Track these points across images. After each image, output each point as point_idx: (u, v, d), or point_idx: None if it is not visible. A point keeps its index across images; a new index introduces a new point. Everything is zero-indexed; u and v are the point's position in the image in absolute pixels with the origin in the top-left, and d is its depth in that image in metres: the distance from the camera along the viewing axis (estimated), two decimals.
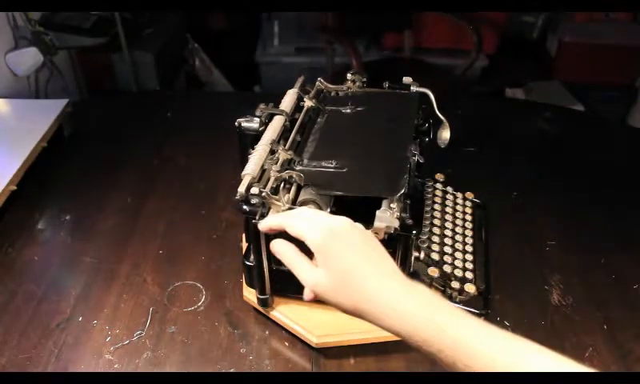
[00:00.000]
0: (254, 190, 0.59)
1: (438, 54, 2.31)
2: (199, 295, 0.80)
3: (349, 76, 0.85)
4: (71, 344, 0.73)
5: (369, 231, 0.50)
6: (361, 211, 0.57)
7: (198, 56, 2.37)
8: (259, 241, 0.63)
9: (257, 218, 0.59)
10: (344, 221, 0.50)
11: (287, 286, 0.69)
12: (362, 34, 2.31)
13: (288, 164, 0.65)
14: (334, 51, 1.92)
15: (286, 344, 0.73)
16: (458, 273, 0.71)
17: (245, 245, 0.83)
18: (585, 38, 2.35)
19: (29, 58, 1.43)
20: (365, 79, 0.85)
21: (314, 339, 0.70)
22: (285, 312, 0.73)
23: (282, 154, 0.65)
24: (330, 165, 0.66)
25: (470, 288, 0.70)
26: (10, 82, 1.44)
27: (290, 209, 0.58)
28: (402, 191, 0.61)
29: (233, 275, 0.83)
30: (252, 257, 0.67)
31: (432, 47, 2.35)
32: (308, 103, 0.77)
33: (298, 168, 0.65)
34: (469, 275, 0.71)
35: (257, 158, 0.63)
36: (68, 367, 0.70)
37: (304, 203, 0.60)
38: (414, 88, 0.81)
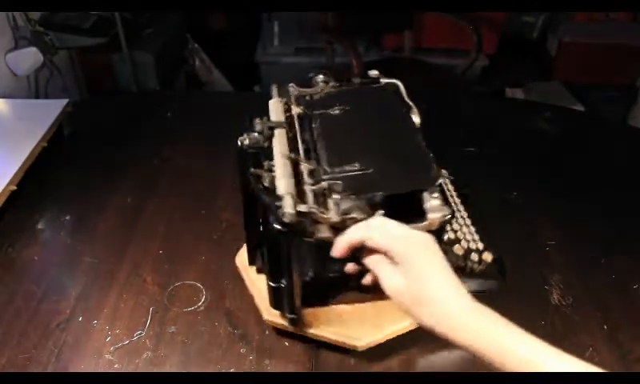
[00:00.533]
0: (303, 208, 0.55)
1: (438, 54, 2.31)
2: (199, 295, 0.80)
3: (320, 77, 0.83)
4: (71, 344, 0.73)
5: (427, 236, 0.51)
6: (397, 209, 0.57)
7: (197, 56, 2.37)
8: (290, 258, 0.60)
9: (308, 236, 0.57)
10: (423, 234, 0.52)
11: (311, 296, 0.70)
12: (362, 33, 2.32)
13: (313, 175, 0.62)
14: (334, 51, 1.92)
15: (286, 344, 0.73)
16: (473, 245, 0.71)
17: (241, 256, 0.82)
18: (585, 38, 2.35)
19: (29, 58, 1.44)
20: (332, 80, 0.84)
21: (358, 343, 0.69)
22: (316, 324, 0.72)
23: (305, 166, 0.62)
24: (354, 168, 0.64)
25: (488, 257, 0.70)
26: (10, 82, 1.44)
27: (344, 220, 0.57)
28: (440, 179, 0.62)
29: (233, 275, 0.83)
30: (283, 278, 0.63)
31: (432, 47, 2.35)
32: (296, 110, 0.75)
33: (328, 177, 0.62)
34: (481, 246, 0.71)
35: (284, 174, 0.60)
36: (68, 367, 0.70)
37: (348, 212, 0.58)
38: (382, 80, 0.82)
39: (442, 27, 2.27)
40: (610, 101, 2.33)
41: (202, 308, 0.78)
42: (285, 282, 0.63)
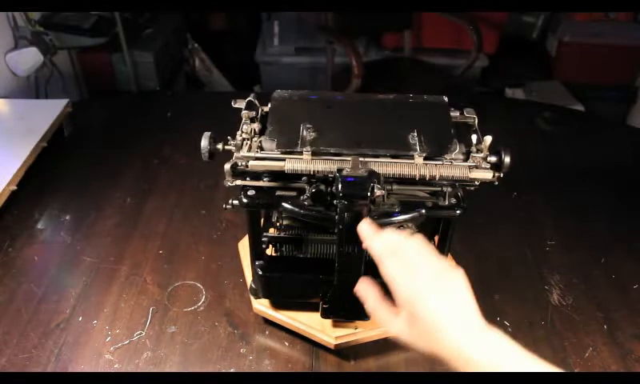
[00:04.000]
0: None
1: (438, 54, 2.31)
2: (199, 295, 0.80)
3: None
4: (71, 344, 0.73)
5: (457, 273, 0.48)
6: None
7: (198, 56, 2.37)
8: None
9: None
10: (441, 264, 0.49)
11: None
12: (362, 33, 2.31)
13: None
14: (334, 51, 1.92)
15: (286, 344, 0.73)
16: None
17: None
18: (585, 38, 2.35)
19: (29, 58, 1.44)
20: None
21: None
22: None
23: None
24: None
25: None
26: (10, 82, 1.44)
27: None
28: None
29: (233, 275, 0.83)
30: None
31: (432, 47, 2.35)
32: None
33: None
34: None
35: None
36: (68, 367, 0.70)
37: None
38: None
39: (442, 27, 2.26)
40: (610, 101, 2.33)
41: (201, 308, 0.78)
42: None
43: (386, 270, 0.49)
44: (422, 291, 0.47)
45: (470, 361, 0.44)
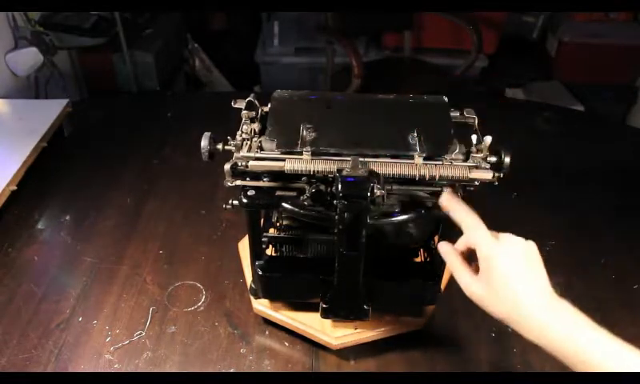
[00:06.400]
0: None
1: (437, 54, 2.31)
2: (199, 295, 0.80)
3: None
4: (71, 344, 0.73)
5: (531, 244, 0.52)
6: None
7: (198, 56, 2.37)
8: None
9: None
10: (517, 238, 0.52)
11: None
12: (362, 33, 2.31)
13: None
14: (334, 51, 1.92)
15: (286, 344, 0.73)
16: None
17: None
18: (585, 38, 2.35)
19: (29, 58, 1.44)
20: None
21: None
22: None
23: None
24: None
25: None
26: (10, 82, 1.44)
27: None
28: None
29: (233, 275, 0.83)
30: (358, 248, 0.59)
31: (432, 47, 2.35)
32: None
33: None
34: None
35: None
36: (68, 367, 0.70)
37: None
38: None
39: (442, 27, 2.26)
40: (610, 101, 2.33)
41: (201, 308, 0.78)
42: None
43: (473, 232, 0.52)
44: (500, 254, 0.50)
45: (543, 329, 0.47)
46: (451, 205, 0.56)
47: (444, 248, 0.56)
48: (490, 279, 0.50)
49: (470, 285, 0.52)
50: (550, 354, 0.47)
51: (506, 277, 0.49)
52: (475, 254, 0.52)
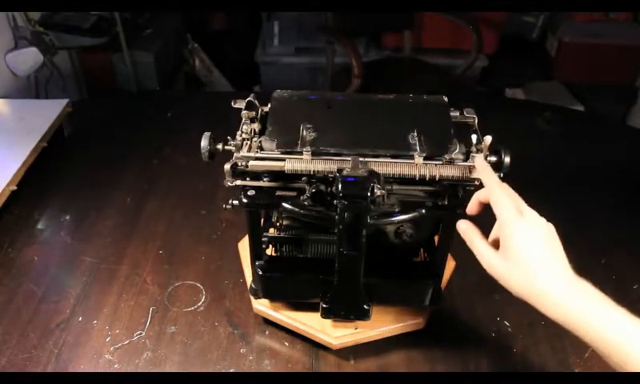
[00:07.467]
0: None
1: (437, 54, 2.31)
2: (199, 295, 0.80)
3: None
4: (71, 344, 0.73)
5: (551, 226, 0.52)
6: None
7: (198, 56, 2.37)
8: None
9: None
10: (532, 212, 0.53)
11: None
12: (362, 33, 2.31)
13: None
14: (334, 51, 1.92)
15: (286, 344, 0.73)
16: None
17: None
18: (585, 38, 2.35)
19: (29, 58, 1.44)
20: None
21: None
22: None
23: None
24: None
25: None
26: (10, 82, 1.44)
27: None
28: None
29: (233, 275, 0.83)
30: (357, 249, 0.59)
31: (432, 47, 2.35)
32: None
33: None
34: None
35: None
36: (68, 367, 0.70)
37: None
38: None
39: (442, 27, 2.26)
40: (610, 101, 2.33)
41: (201, 308, 0.78)
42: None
43: (501, 204, 0.52)
44: (522, 230, 0.50)
45: (559, 305, 0.47)
46: (486, 171, 0.55)
47: (462, 226, 0.56)
48: (510, 254, 0.50)
49: (490, 259, 0.52)
50: (570, 332, 0.47)
51: (526, 253, 0.49)
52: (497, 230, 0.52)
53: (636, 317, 0.45)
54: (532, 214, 0.52)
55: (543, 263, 0.49)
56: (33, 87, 1.56)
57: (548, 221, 0.53)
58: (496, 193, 0.53)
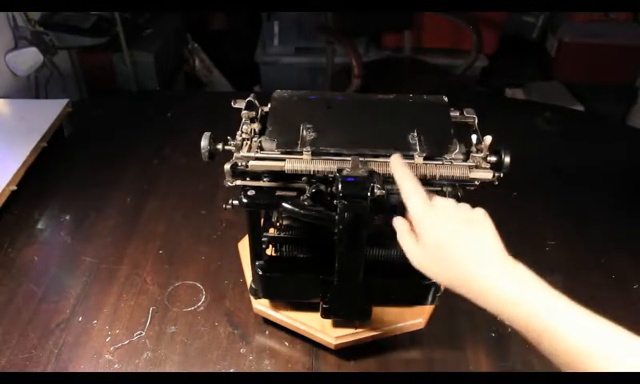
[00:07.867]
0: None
1: (437, 54, 2.31)
2: (199, 295, 0.80)
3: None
4: (71, 344, 0.73)
5: (478, 210, 0.52)
6: None
7: (198, 56, 2.37)
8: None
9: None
10: (469, 211, 0.52)
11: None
12: (362, 33, 2.31)
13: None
14: (334, 51, 1.92)
15: (286, 344, 0.73)
16: None
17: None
18: (585, 38, 2.35)
19: (29, 58, 1.43)
20: None
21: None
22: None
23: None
24: None
25: None
26: (10, 82, 1.44)
27: None
28: None
29: (233, 275, 0.83)
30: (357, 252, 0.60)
31: (432, 47, 2.35)
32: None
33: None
34: None
35: None
36: (68, 367, 0.70)
37: None
38: None
39: (442, 27, 2.26)
40: (610, 101, 2.33)
41: (201, 308, 0.78)
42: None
43: (418, 215, 0.51)
44: (429, 217, 0.50)
45: (484, 289, 0.45)
46: (397, 168, 0.54)
47: (397, 222, 0.55)
48: (425, 243, 0.50)
49: (410, 250, 0.52)
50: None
51: (437, 238, 0.49)
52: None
53: (573, 302, 0.43)
54: (438, 201, 0.51)
55: (460, 249, 0.48)
56: (33, 87, 1.56)
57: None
58: (405, 187, 0.52)
